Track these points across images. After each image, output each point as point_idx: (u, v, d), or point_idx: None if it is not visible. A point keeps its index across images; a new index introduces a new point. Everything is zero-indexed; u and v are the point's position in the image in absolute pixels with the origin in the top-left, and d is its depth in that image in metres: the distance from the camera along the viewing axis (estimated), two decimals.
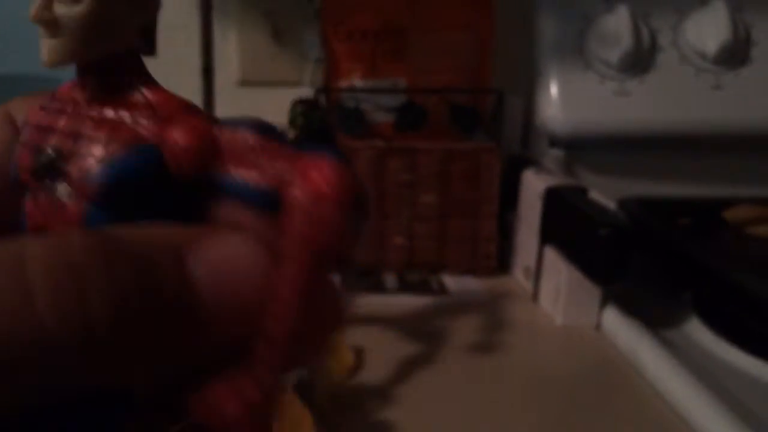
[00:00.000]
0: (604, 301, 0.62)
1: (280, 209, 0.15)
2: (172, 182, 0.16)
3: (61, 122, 0.18)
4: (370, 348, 0.57)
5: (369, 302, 0.67)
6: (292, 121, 0.52)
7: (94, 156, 0.17)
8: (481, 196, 0.73)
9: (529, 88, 0.80)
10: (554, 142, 0.77)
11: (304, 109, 0.52)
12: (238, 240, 0.15)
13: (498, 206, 0.72)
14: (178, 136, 0.16)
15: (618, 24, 0.71)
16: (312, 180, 0.15)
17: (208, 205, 0.17)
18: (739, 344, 0.57)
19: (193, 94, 0.84)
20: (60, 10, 0.16)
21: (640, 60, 0.72)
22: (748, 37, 0.71)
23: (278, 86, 0.86)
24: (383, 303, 0.67)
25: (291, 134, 0.54)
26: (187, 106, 0.17)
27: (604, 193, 0.64)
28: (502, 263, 0.75)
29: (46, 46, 0.17)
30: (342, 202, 0.14)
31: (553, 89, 0.75)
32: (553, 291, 0.64)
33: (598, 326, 0.62)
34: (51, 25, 0.17)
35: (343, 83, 0.73)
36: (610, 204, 0.60)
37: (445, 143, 0.72)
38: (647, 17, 0.73)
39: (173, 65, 0.87)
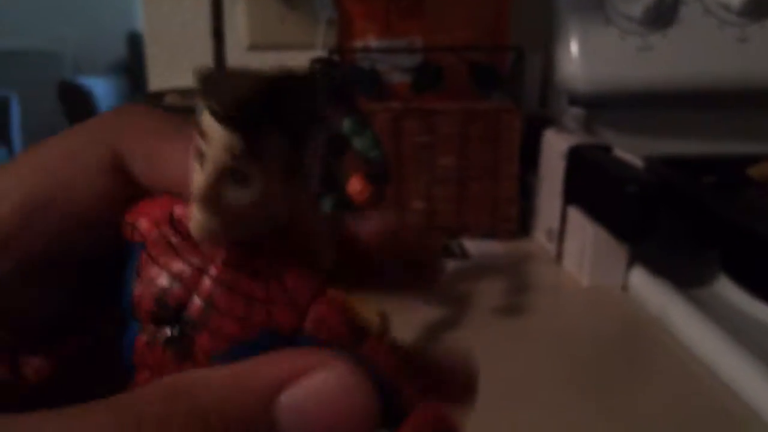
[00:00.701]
0: (631, 261, 0.61)
1: None
2: None
3: (188, 274, 0.17)
4: (394, 313, 0.56)
5: None
6: None
7: (222, 334, 0.17)
8: (501, 156, 0.71)
9: (548, 45, 0.78)
10: (574, 100, 0.75)
11: (322, 69, 0.50)
12: (337, 374, 0.14)
13: (518, 167, 0.71)
14: (321, 324, 0.17)
15: None
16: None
17: None
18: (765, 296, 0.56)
19: (203, 58, 0.82)
20: (227, 194, 0.16)
21: (662, 14, 0.70)
22: None
23: (289, 50, 0.84)
24: None
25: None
26: (321, 287, 0.17)
27: (627, 151, 0.63)
28: (523, 225, 0.73)
29: (202, 223, 0.16)
30: None
31: (574, 46, 0.72)
32: (578, 252, 0.63)
33: (624, 287, 0.61)
34: (214, 207, 0.16)
35: (358, 44, 0.71)
36: (637, 161, 0.59)
37: (464, 103, 0.70)
38: None
39: (180, 28, 0.86)
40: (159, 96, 0.75)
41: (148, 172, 0.19)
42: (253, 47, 0.84)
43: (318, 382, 0.14)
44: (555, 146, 0.68)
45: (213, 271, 0.17)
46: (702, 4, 0.70)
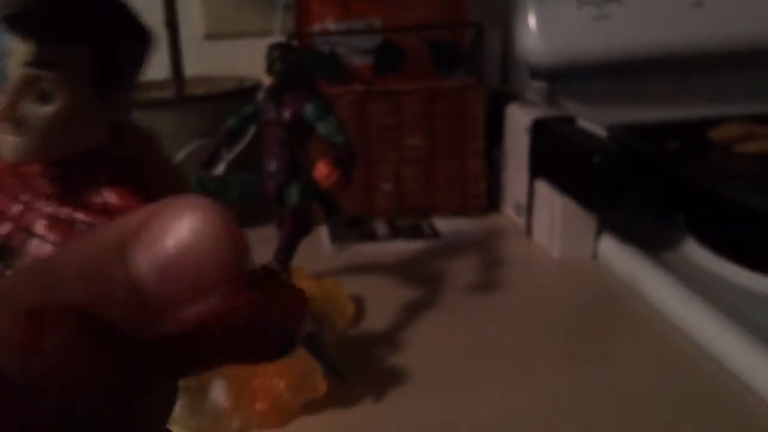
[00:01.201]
0: (600, 230, 0.61)
1: None
2: None
3: (16, 210, 0.17)
4: (368, 297, 0.56)
5: (362, 251, 0.66)
6: (269, 67, 0.49)
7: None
8: (466, 134, 0.71)
9: (506, 20, 0.78)
10: (535, 73, 0.75)
11: (281, 54, 0.49)
12: (190, 219, 0.12)
13: (484, 143, 0.71)
14: None
15: None
16: None
17: None
18: (735, 259, 0.57)
19: (159, 50, 0.80)
20: (27, 109, 0.16)
21: None
22: None
23: (246, 37, 0.82)
24: (376, 251, 0.66)
25: (269, 81, 0.51)
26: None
27: (590, 121, 0.63)
28: (492, 201, 0.74)
29: (11, 144, 0.16)
30: None
31: (531, 19, 0.72)
32: (547, 224, 0.63)
33: (594, 255, 0.61)
34: (17, 123, 0.16)
35: (316, 28, 0.71)
36: (601, 131, 0.59)
37: (427, 82, 0.70)
38: None
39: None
40: None
41: None
42: (209, 36, 0.83)
43: (178, 227, 0.12)
44: (519, 120, 0.68)
45: (39, 203, 0.17)
46: None
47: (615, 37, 0.71)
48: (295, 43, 0.68)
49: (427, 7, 0.73)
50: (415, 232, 0.70)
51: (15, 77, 0.16)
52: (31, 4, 0.15)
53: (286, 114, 0.50)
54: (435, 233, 0.69)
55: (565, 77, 0.75)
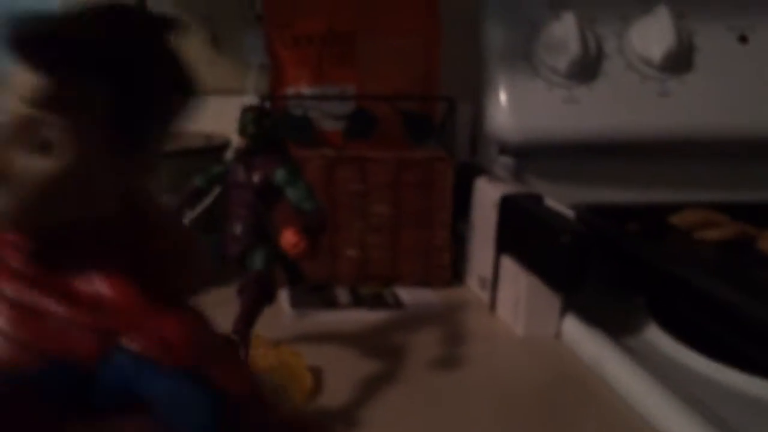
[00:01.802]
0: (564, 310, 0.61)
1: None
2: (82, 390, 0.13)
3: None
4: (327, 368, 0.54)
5: (322, 319, 0.64)
6: (242, 129, 0.49)
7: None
8: (433, 205, 0.71)
9: (477, 95, 0.80)
10: (504, 149, 0.76)
11: (254, 117, 0.49)
12: None
13: (451, 215, 0.71)
14: (141, 348, 0.13)
15: (565, 31, 0.71)
16: None
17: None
18: (695, 347, 0.57)
19: None
20: (21, 161, 0.12)
21: (587, 67, 0.73)
22: (691, 44, 0.73)
23: (218, 94, 0.82)
24: (337, 319, 0.65)
25: (239, 141, 0.51)
26: (150, 308, 0.13)
27: (554, 199, 0.64)
28: (456, 273, 0.73)
29: None
30: None
31: (502, 96, 0.74)
32: (511, 301, 0.63)
33: (558, 335, 0.61)
34: (5, 177, 0.12)
35: (290, 90, 0.70)
36: (568, 211, 0.60)
37: (397, 152, 0.70)
38: (592, 24, 0.73)
39: None
40: None
41: None
42: None
43: None
44: (487, 195, 0.68)
45: (4, 284, 0.13)
46: (625, 59, 0.73)
47: (583, 120, 0.73)
48: (268, 104, 0.67)
49: (400, 78, 0.73)
50: (377, 301, 0.69)
51: (11, 117, 0.12)
52: (47, 25, 0.12)
53: (256, 177, 0.49)
54: (398, 303, 0.68)
55: (532, 154, 0.76)
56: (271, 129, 0.49)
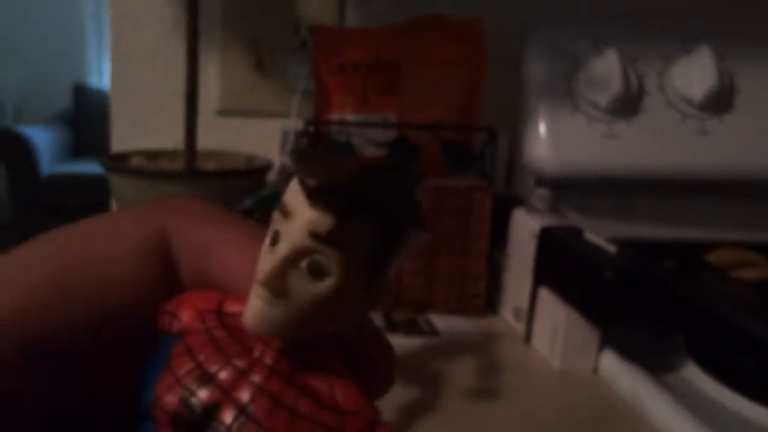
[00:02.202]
0: (602, 345, 0.61)
1: None
2: None
3: (226, 375, 0.15)
4: None
5: None
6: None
7: None
8: (471, 233, 0.72)
9: (515, 126, 0.80)
10: (541, 181, 0.77)
11: (308, 142, 0.50)
12: None
13: (488, 245, 0.72)
14: None
15: (607, 67, 0.72)
16: None
17: None
18: (734, 386, 0.57)
19: (172, 121, 0.81)
20: (296, 284, 0.14)
21: (627, 103, 0.73)
22: (732, 85, 0.73)
23: (259, 117, 0.83)
24: None
25: (291, 166, 0.52)
26: (377, 417, 0.15)
27: (591, 233, 0.64)
28: (490, 303, 0.73)
29: (261, 311, 0.14)
30: None
31: (542, 129, 0.75)
32: (548, 333, 0.63)
33: (595, 370, 0.61)
34: (279, 294, 0.14)
35: (334, 116, 0.72)
36: (610, 246, 0.60)
37: (437, 180, 0.71)
38: (634, 62, 0.74)
39: (150, 90, 0.84)
40: (124, 157, 0.73)
41: (195, 263, 0.17)
42: (223, 112, 0.84)
43: None
44: (525, 226, 0.69)
45: (257, 376, 0.15)
46: (665, 97, 0.74)
47: (621, 155, 0.73)
48: (311, 129, 0.69)
49: (441, 107, 0.74)
50: (412, 328, 0.69)
51: (293, 245, 0.14)
52: (344, 178, 0.14)
53: None
54: (432, 330, 0.69)
55: (569, 187, 0.77)
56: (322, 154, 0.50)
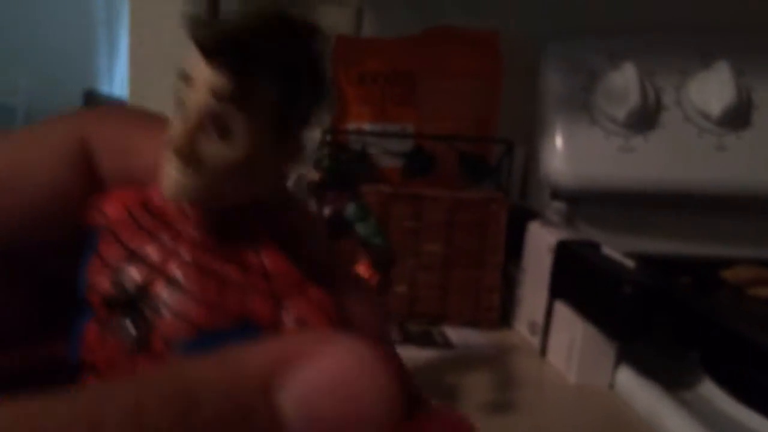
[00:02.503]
0: (618, 360, 0.61)
1: None
2: None
3: (154, 252, 0.15)
4: None
5: None
6: (317, 163, 0.50)
7: (187, 320, 0.14)
8: (486, 246, 0.71)
9: (531, 139, 0.80)
10: (557, 194, 0.76)
11: (331, 151, 0.50)
12: (352, 353, 0.11)
13: (503, 257, 0.71)
14: (303, 316, 0.14)
15: (625, 81, 0.72)
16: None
17: None
18: (750, 403, 0.57)
19: None
20: (205, 148, 0.14)
21: (645, 117, 0.73)
22: (750, 101, 0.73)
23: None
24: None
25: (311, 175, 0.52)
26: (305, 280, 0.15)
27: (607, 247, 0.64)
28: (504, 316, 0.73)
29: (176, 180, 0.14)
30: None
31: (559, 142, 0.74)
32: (564, 347, 0.62)
33: (611, 385, 0.61)
34: (190, 160, 0.14)
35: (351, 125, 0.72)
36: (628, 261, 0.60)
37: (453, 191, 0.70)
38: (652, 76, 0.74)
39: (169, 96, 0.84)
40: None
41: (117, 163, 0.17)
42: None
43: (328, 362, 0.11)
44: (541, 239, 0.68)
45: (184, 250, 0.15)
46: (683, 111, 0.73)
47: (638, 169, 0.73)
48: (329, 138, 0.69)
49: (458, 118, 0.74)
50: (426, 339, 0.69)
51: (197, 108, 0.14)
52: (235, 33, 0.14)
53: (327, 211, 0.50)
54: (447, 343, 0.68)
55: (585, 201, 0.77)
56: (346, 164, 0.50)
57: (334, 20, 0.79)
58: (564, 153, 0.74)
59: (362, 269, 0.46)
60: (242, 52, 0.14)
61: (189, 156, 0.14)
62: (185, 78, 0.14)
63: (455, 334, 0.70)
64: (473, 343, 0.69)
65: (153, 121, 0.17)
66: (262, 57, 0.14)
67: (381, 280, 0.46)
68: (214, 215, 0.15)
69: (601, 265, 0.59)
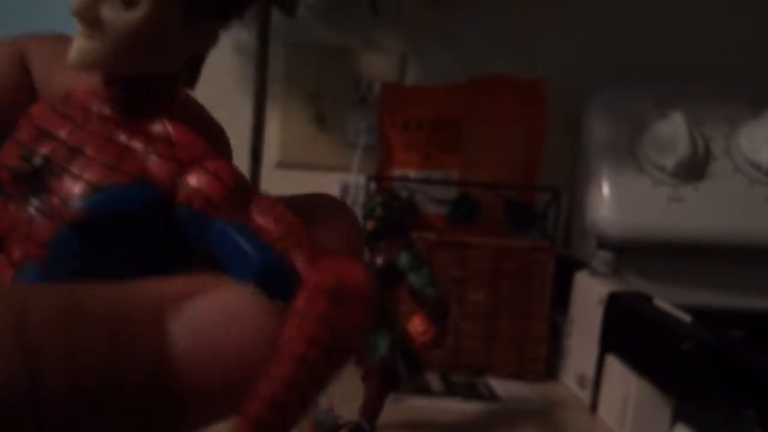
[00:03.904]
0: (675, 418, 0.58)
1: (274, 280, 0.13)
2: (173, 226, 0.15)
3: (64, 130, 0.16)
4: None
5: (416, 406, 0.63)
6: (370, 212, 0.49)
7: (85, 180, 0.15)
8: (532, 295, 0.70)
9: (575, 187, 0.79)
10: (604, 243, 0.75)
11: (383, 200, 0.49)
12: (235, 295, 0.13)
13: (549, 307, 0.70)
14: (200, 183, 0.14)
15: (674, 130, 0.71)
16: (340, 274, 0.13)
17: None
18: None
19: None
20: (108, 12, 0.14)
21: (694, 167, 0.72)
22: None
23: (317, 170, 0.84)
24: (430, 407, 0.63)
25: (368, 225, 0.51)
26: (209, 151, 0.15)
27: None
28: (549, 368, 0.71)
29: (80, 46, 0.15)
30: (369, 305, 0.13)
31: (605, 190, 0.73)
32: (617, 403, 0.60)
33: None
34: (93, 24, 0.14)
35: (397, 172, 0.71)
36: (684, 315, 0.58)
37: (498, 239, 0.70)
38: (700, 125, 0.73)
39: None
40: None
41: (45, 73, 0.18)
42: (282, 165, 0.84)
43: (217, 299, 0.12)
44: (589, 290, 0.67)
45: (93, 125, 0.15)
46: (732, 161, 0.72)
47: (687, 220, 0.72)
48: (373, 185, 0.68)
49: (503, 165, 0.74)
50: (471, 392, 0.67)
51: None
52: None
53: (379, 260, 0.49)
54: (492, 395, 0.66)
55: (631, 250, 0.75)
56: (398, 213, 0.50)
57: (379, 68, 0.79)
58: (611, 201, 0.73)
59: (418, 322, 0.45)
60: None
61: (92, 20, 0.14)
62: None
63: (500, 386, 0.69)
64: (520, 396, 0.67)
65: None
66: None
67: (437, 333, 0.45)
68: (122, 90, 0.15)
69: (656, 319, 0.57)
